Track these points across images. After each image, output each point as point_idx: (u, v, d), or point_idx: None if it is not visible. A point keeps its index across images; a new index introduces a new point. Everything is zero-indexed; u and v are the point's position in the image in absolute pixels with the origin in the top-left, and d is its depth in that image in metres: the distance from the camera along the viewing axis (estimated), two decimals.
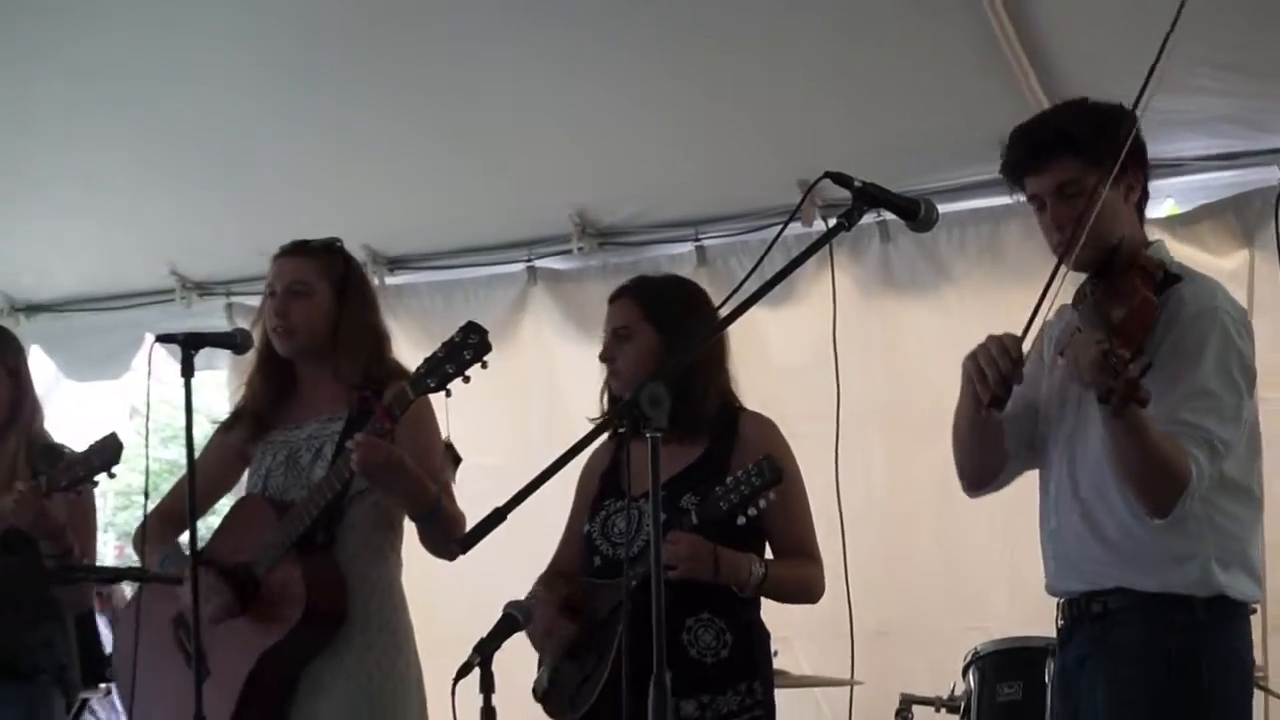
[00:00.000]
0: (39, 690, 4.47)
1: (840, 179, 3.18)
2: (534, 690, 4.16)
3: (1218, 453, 3.20)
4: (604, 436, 4.21)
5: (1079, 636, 3.41)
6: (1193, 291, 3.33)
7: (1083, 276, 3.48)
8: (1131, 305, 3.15)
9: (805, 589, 4.13)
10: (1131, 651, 3.28)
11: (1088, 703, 3.34)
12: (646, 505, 4.01)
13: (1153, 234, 5.61)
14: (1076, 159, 3.40)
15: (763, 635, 4.13)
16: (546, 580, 4.23)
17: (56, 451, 4.41)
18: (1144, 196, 3.54)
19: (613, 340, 4.21)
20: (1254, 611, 3.42)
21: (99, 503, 4.73)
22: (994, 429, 3.50)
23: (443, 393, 3.88)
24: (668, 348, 4.09)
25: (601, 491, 4.22)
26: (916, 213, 3.25)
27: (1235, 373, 3.27)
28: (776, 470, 3.84)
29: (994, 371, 3.28)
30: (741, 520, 3.85)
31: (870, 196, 3.18)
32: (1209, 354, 3.25)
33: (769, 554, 4.09)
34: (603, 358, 4.23)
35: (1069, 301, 3.52)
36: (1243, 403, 3.29)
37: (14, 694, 4.43)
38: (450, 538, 4.03)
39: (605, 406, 4.29)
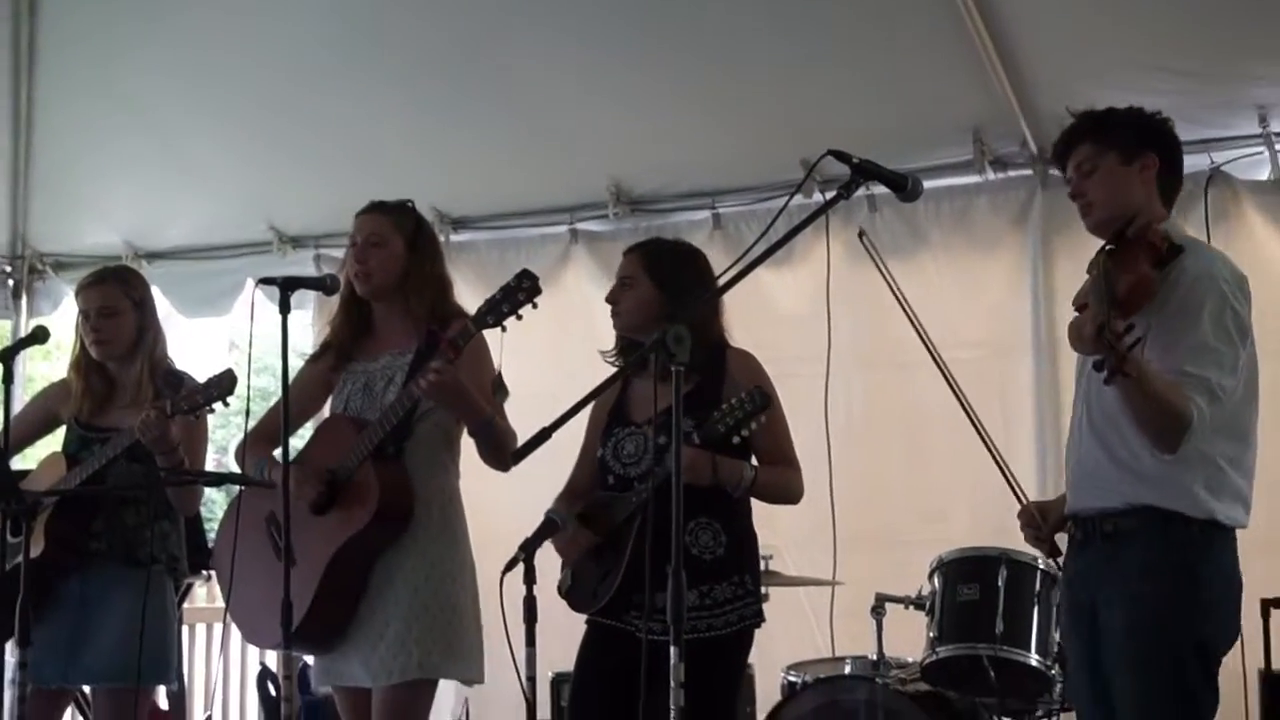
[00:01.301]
0: (154, 577, 4.49)
1: (841, 155, 3.20)
2: (558, 588, 4.18)
3: (1217, 397, 3.22)
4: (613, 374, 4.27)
5: (1090, 551, 3.43)
6: (1193, 261, 3.34)
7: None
8: (1134, 280, 3.18)
9: (788, 491, 4.15)
10: (1138, 570, 3.29)
11: (1104, 614, 3.35)
12: (649, 429, 4.07)
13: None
14: (1091, 145, 3.53)
15: (752, 536, 4.14)
16: (565, 497, 4.25)
17: (177, 376, 4.42)
18: (1169, 181, 3.56)
19: (618, 286, 4.23)
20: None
21: None
22: None
23: (499, 329, 3.89)
24: (663, 298, 4.12)
25: (610, 422, 4.23)
26: (905, 185, 3.27)
27: (1232, 329, 3.29)
28: (765, 399, 3.86)
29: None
30: (736, 440, 3.88)
31: (866, 170, 3.20)
32: (1205, 314, 3.26)
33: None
34: (609, 300, 4.25)
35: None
36: (1239, 354, 3.30)
37: (133, 578, 4.44)
38: (502, 451, 4.06)
39: (616, 342, 4.32)
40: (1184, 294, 3.29)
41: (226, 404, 4.31)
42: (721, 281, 3.17)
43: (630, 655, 3.92)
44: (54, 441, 4.82)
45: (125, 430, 4.37)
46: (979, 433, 3.99)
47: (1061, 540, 3.64)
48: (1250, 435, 3.41)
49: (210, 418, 4.52)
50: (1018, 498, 3.83)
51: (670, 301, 4.09)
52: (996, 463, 3.78)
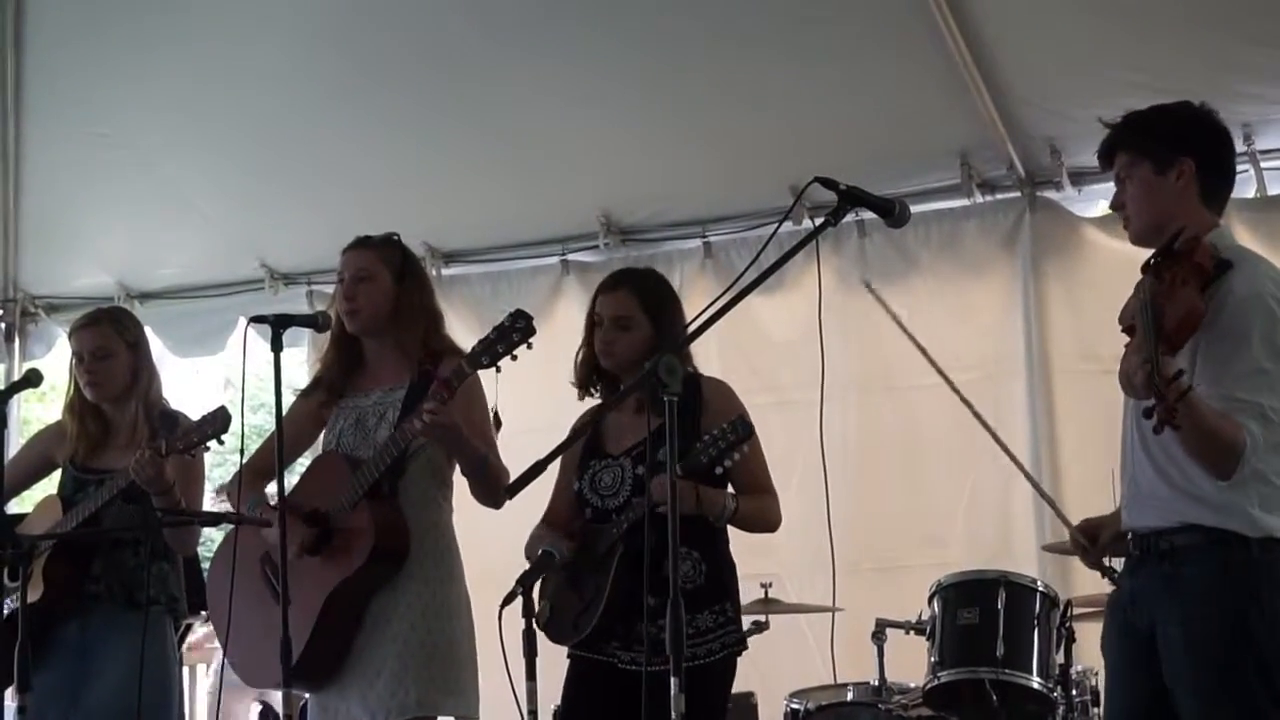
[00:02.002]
0: (153, 619, 4.47)
1: (828, 183, 3.20)
2: (536, 619, 4.16)
3: (1271, 421, 3.15)
4: (587, 409, 4.25)
5: (1147, 568, 3.34)
6: (1241, 278, 3.23)
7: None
8: (1182, 313, 3.07)
9: (767, 519, 4.15)
10: (1199, 590, 3.22)
11: (1163, 635, 3.27)
12: (626, 461, 4.06)
13: (1089, 232, 5.73)
14: (1126, 154, 3.44)
15: (730, 565, 4.13)
16: (544, 528, 4.22)
17: (171, 416, 4.40)
18: (1214, 183, 3.43)
19: (612, 327, 4.17)
20: None
21: None
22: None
23: (493, 369, 3.90)
24: (656, 333, 4.11)
25: (585, 454, 4.20)
26: (892, 210, 3.27)
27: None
28: (748, 429, 3.86)
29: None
30: (718, 471, 3.86)
31: (853, 197, 3.20)
32: (1255, 335, 3.17)
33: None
34: (605, 341, 4.18)
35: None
36: None
37: (132, 621, 4.42)
38: (495, 489, 4.05)
39: (579, 371, 4.29)
40: (1231, 315, 3.19)
41: (222, 442, 4.29)
42: (713, 310, 3.17)
43: (613, 687, 3.93)
44: (48, 485, 4.81)
45: (120, 471, 4.35)
46: (1006, 452, 3.89)
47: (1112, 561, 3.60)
48: None
49: (208, 456, 4.50)
50: (1064, 522, 3.74)
51: (660, 335, 4.10)
52: (1034, 486, 3.69)
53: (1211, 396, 3.11)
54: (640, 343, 4.12)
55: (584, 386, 4.30)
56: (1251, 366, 3.16)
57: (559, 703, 4.71)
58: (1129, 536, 3.45)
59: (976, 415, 3.93)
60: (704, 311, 3.16)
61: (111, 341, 4.61)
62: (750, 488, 4.09)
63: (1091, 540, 3.61)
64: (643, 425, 3.65)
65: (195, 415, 4.33)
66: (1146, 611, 3.34)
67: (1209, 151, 3.44)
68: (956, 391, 4.00)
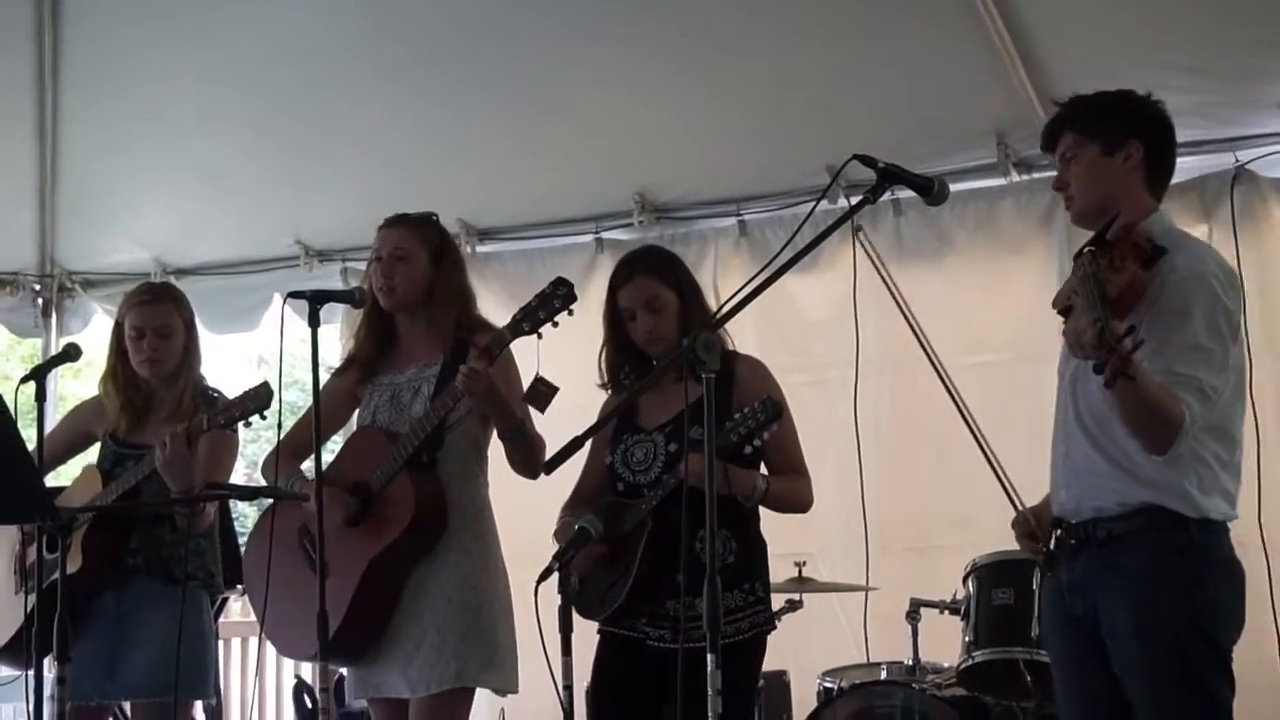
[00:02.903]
0: (189, 593, 4.51)
1: (867, 160, 3.20)
2: (566, 594, 4.19)
3: (1208, 397, 3.18)
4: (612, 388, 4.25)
5: (1085, 557, 3.36)
6: (1184, 259, 3.27)
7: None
8: (1124, 280, 3.12)
9: (798, 500, 4.15)
10: (1142, 577, 3.24)
11: (1108, 623, 3.29)
12: (659, 437, 4.07)
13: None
14: (1074, 133, 3.46)
15: (761, 544, 4.13)
16: (573, 503, 4.25)
17: (211, 396, 4.43)
18: (1157, 169, 3.47)
19: (647, 314, 4.15)
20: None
21: None
22: None
23: (535, 336, 3.91)
24: (685, 308, 4.12)
25: (618, 429, 4.22)
26: (931, 188, 3.27)
27: (1223, 327, 3.23)
28: (778, 408, 3.86)
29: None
30: (748, 450, 3.87)
31: (892, 174, 3.21)
32: (1197, 312, 3.20)
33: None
34: (646, 331, 4.15)
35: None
36: (1229, 352, 3.25)
37: (168, 595, 4.47)
38: (532, 458, 4.10)
39: (604, 370, 4.29)
40: (1174, 292, 3.23)
41: (264, 417, 4.32)
42: (750, 288, 3.18)
43: (643, 663, 3.95)
44: (85, 458, 4.85)
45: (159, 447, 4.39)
46: (975, 436, 3.89)
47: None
48: (1239, 434, 3.36)
49: (242, 432, 4.53)
50: (1014, 504, 3.71)
51: (685, 302, 4.11)
52: (991, 466, 3.68)
53: (1153, 371, 3.12)
54: (676, 318, 4.13)
55: (614, 381, 4.29)
56: (1191, 342, 3.19)
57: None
58: (1061, 525, 3.46)
59: (955, 397, 3.91)
60: (740, 290, 3.16)
61: (173, 319, 4.65)
62: (782, 468, 4.09)
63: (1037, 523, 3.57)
64: (678, 400, 3.65)
65: (230, 393, 4.37)
66: (1087, 600, 3.35)
67: (1156, 137, 3.48)
68: (941, 373, 3.98)
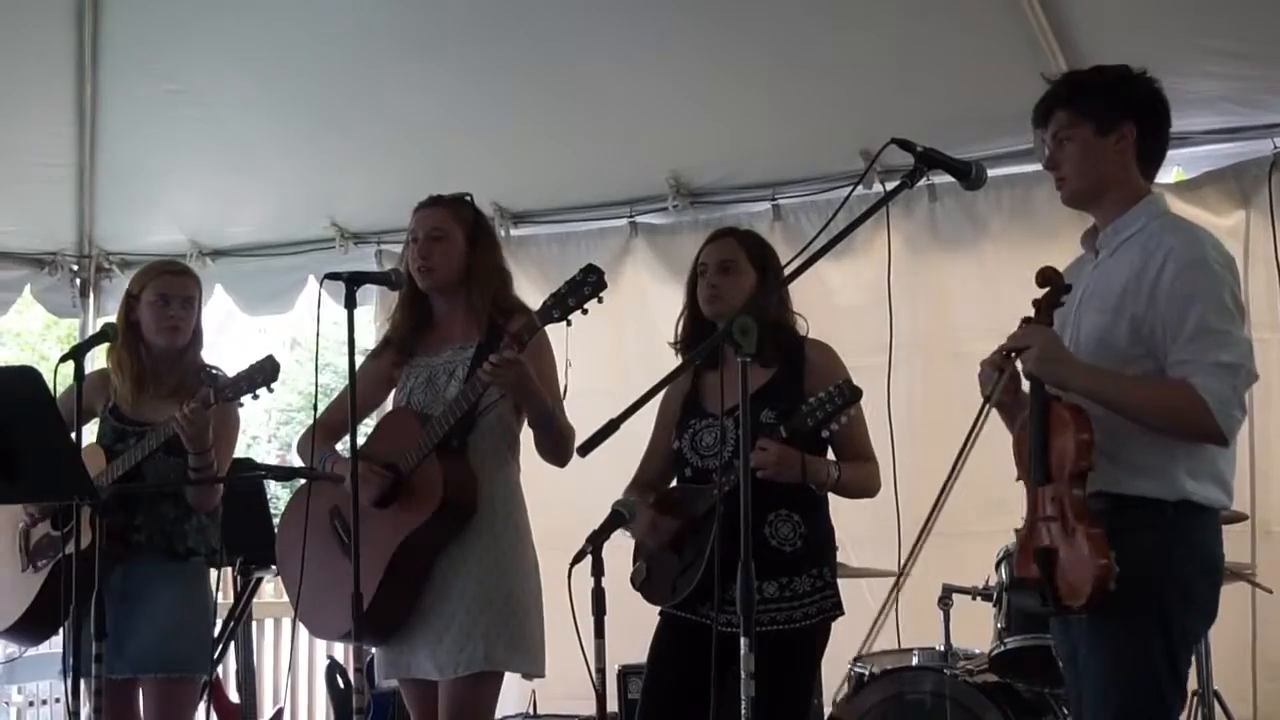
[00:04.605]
0: (193, 569, 4.57)
1: (905, 144, 3.20)
2: (632, 580, 4.18)
3: (1228, 368, 3.13)
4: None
5: None
6: (1182, 245, 3.23)
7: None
8: (1066, 447, 3.17)
9: (867, 486, 4.13)
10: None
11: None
12: (729, 421, 4.06)
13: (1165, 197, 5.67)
14: (1067, 112, 3.39)
15: (830, 529, 4.13)
16: (634, 489, 4.25)
17: (213, 373, 4.43)
18: (1151, 150, 3.42)
19: (717, 271, 4.14)
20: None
21: (263, 418, 4.79)
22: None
23: (565, 322, 3.90)
24: (758, 286, 4.09)
25: (685, 414, 4.21)
26: (969, 173, 3.27)
27: (1230, 305, 3.19)
28: (856, 392, 3.85)
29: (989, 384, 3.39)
30: (825, 434, 3.87)
31: (930, 159, 3.20)
32: (1200, 297, 3.17)
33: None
34: (711, 284, 4.13)
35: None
36: (1241, 327, 3.21)
37: (172, 571, 4.52)
38: (561, 446, 4.10)
39: (681, 331, 4.27)
40: (1174, 281, 3.19)
41: (271, 390, 4.33)
42: (785, 273, 3.18)
43: (706, 647, 3.94)
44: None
45: (163, 424, 4.40)
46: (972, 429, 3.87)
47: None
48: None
49: (278, 414, 4.55)
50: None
51: (763, 287, 4.08)
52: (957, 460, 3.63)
53: (1170, 362, 3.14)
54: (745, 290, 4.09)
55: (686, 346, 4.27)
56: (1199, 326, 3.15)
57: (624, 662, 4.75)
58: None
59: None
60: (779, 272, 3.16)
61: (195, 292, 4.70)
62: (853, 454, 4.08)
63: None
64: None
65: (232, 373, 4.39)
66: None
67: (1150, 118, 3.41)
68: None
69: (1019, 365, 3.27)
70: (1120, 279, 3.28)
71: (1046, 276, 3.28)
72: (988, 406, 3.38)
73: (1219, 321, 3.17)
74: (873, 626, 3.44)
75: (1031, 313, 3.30)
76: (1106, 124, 3.35)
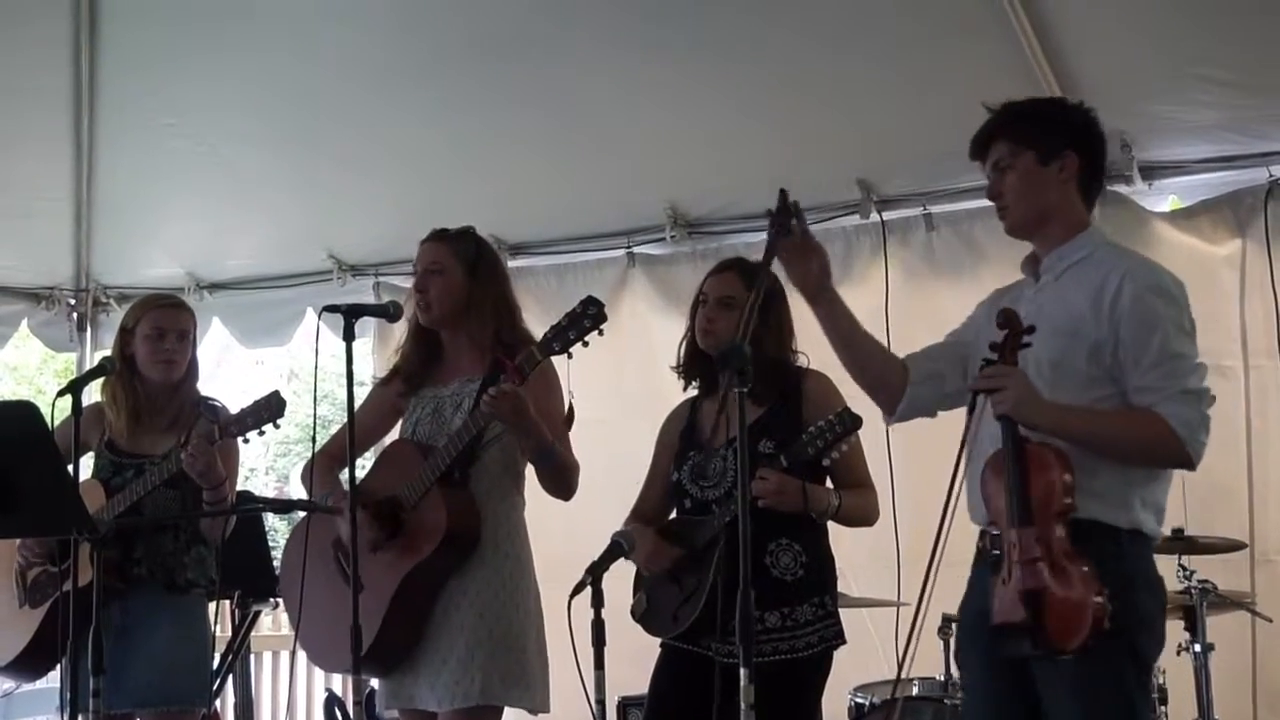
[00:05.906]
0: (192, 601, 4.57)
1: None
2: (632, 611, 4.18)
3: (1194, 395, 3.16)
4: (682, 399, 4.27)
5: None
6: (1131, 276, 3.24)
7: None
8: (1046, 487, 3.15)
9: (866, 515, 4.16)
10: None
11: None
12: (728, 453, 4.07)
13: (1159, 226, 5.69)
14: (1007, 142, 3.40)
15: (830, 557, 4.15)
16: (634, 520, 4.26)
17: (212, 405, 4.46)
18: (1091, 181, 3.43)
19: (716, 305, 4.19)
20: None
21: (261, 450, 4.79)
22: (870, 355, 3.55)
23: (565, 355, 3.90)
24: (760, 323, 4.11)
25: (684, 445, 4.23)
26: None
27: (1188, 329, 3.22)
28: (857, 419, 3.88)
29: None
30: (826, 462, 3.89)
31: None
32: (1160, 325, 3.18)
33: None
34: (706, 320, 4.18)
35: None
36: (1196, 350, 3.24)
37: (172, 604, 4.52)
38: (563, 479, 4.11)
39: (683, 356, 4.31)
40: (1131, 309, 3.20)
41: (277, 426, 4.34)
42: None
43: (707, 679, 3.94)
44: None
45: (167, 459, 4.41)
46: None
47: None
48: None
49: (276, 446, 4.57)
50: None
51: (762, 323, 4.09)
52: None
53: (1133, 388, 3.16)
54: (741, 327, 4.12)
55: (687, 374, 4.30)
56: (1162, 353, 3.17)
57: (624, 694, 4.74)
58: (986, 536, 3.41)
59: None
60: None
61: (190, 327, 4.71)
62: (852, 482, 4.11)
63: None
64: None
65: (229, 404, 4.39)
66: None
67: (1090, 148, 3.42)
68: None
69: (990, 407, 3.25)
70: (1076, 302, 3.29)
71: (1007, 317, 3.27)
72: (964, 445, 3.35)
73: (1181, 346, 3.19)
74: (900, 659, 3.41)
75: (992, 355, 3.26)
76: (1048, 153, 3.36)
